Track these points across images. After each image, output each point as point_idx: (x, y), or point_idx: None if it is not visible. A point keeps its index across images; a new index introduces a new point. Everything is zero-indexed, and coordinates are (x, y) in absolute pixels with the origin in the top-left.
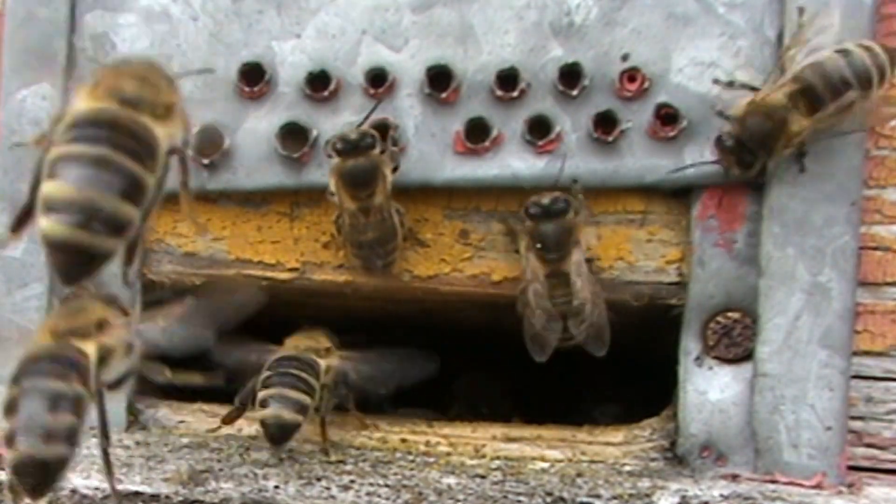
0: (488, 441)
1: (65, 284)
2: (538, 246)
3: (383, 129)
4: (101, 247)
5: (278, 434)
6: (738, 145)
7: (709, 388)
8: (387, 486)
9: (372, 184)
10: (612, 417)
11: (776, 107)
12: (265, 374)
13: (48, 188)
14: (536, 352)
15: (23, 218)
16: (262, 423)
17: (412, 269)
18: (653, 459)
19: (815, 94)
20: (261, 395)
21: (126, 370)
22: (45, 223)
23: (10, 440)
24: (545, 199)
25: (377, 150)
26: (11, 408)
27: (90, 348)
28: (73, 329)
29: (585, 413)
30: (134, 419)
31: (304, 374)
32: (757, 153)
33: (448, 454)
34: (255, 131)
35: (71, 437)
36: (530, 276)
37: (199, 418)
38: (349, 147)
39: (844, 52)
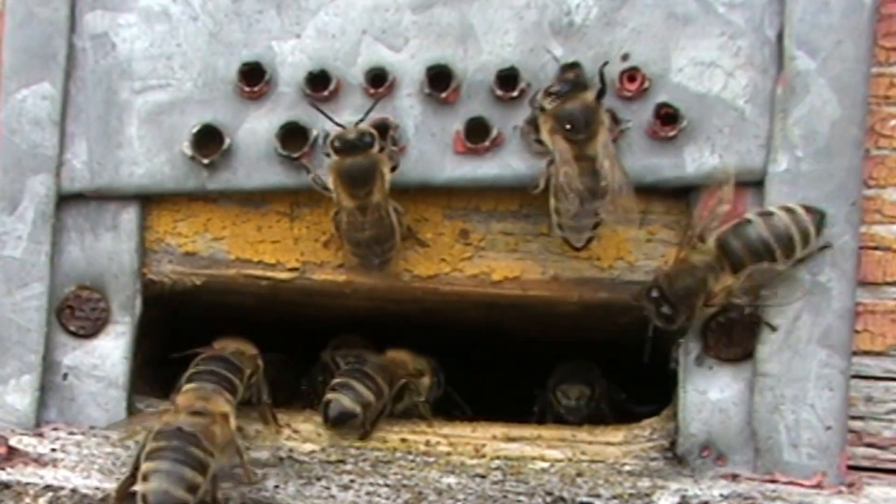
0: (488, 441)
1: None
2: (567, 127)
3: (383, 128)
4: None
5: None
6: (662, 298)
7: (709, 388)
8: (387, 486)
9: (370, 182)
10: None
11: (698, 266)
12: None
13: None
14: (574, 238)
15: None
16: None
17: (412, 269)
18: (653, 459)
19: (735, 257)
20: None
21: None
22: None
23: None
24: (569, 75)
25: (376, 149)
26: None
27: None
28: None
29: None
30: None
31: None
32: (678, 308)
33: (448, 454)
34: (255, 131)
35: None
36: (559, 159)
37: None
38: (347, 145)
39: (767, 215)
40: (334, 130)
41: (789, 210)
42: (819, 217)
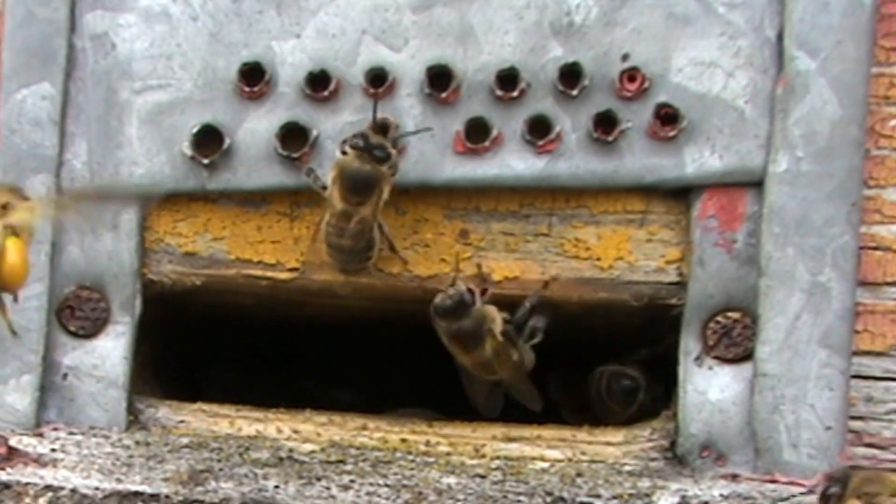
0: (488, 441)
1: None
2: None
3: (384, 128)
4: None
5: None
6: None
7: (709, 388)
8: (387, 486)
9: (366, 194)
10: None
11: None
12: None
13: None
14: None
15: None
16: None
17: (412, 269)
18: (653, 459)
19: None
20: None
21: None
22: None
23: None
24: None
25: (385, 165)
26: None
27: None
28: None
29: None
30: (134, 419)
31: None
32: None
33: (448, 454)
34: (255, 131)
35: None
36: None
37: (199, 418)
38: (363, 148)
39: None
40: (358, 128)
41: None
42: None
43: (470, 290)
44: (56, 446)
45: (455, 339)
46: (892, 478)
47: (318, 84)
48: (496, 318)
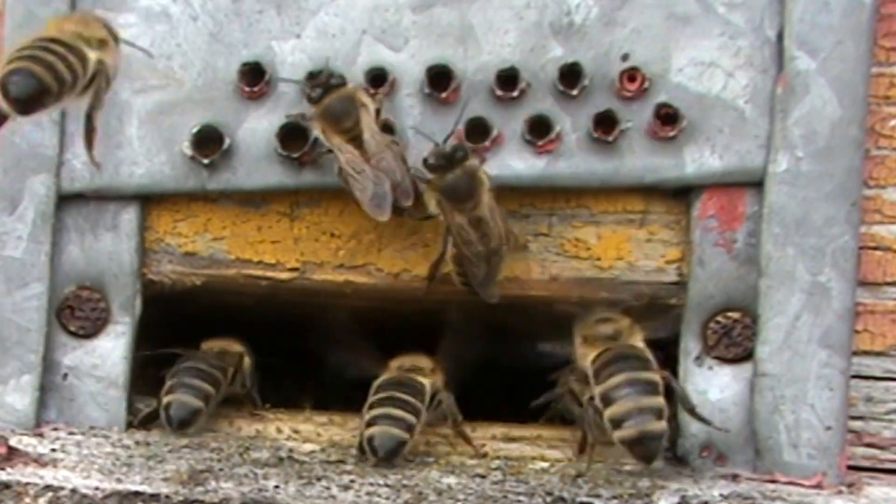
0: (488, 441)
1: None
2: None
3: (384, 129)
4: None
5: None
6: None
7: (709, 388)
8: (387, 486)
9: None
10: None
11: None
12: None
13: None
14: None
15: None
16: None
17: (412, 269)
18: None
19: None
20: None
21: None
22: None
23: None
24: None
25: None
26: None
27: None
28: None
29: None
30: (134, 419)
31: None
32: None
33: (448, 454)
34: (255, 131)
35: None
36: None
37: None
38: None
39: None
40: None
41: None
42: None
43: (462, 148)
44: (56, 446)
45: (449, 193)
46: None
47: None
48: (486, 181)
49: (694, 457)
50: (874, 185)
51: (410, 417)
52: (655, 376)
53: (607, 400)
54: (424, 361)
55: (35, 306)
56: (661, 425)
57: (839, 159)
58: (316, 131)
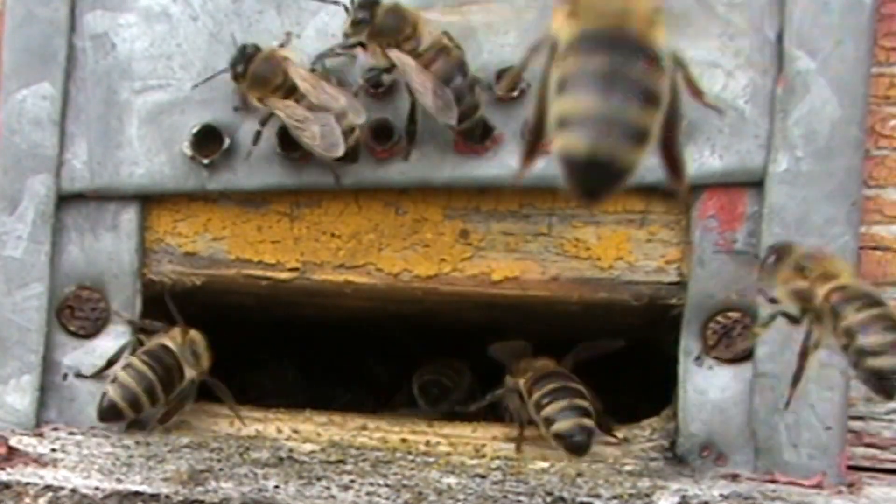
0: (488, 441)
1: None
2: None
3: (385, 129)
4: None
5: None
6: None
7: (709, 388)
8: (387, 486)
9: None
10: None
11: None
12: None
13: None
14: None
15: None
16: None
17: (412, 269)
18: (653, 459)
19: None
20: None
21: None
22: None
23: None
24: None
25: None
26: None
27: None
28: None
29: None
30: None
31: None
32: None
33: (448, 454)
34: (255, 131)
35: None
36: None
37: (199, 418)
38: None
39: None
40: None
41: None
42: None
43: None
44: (56, 446)
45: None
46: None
47: None
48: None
49: (694, 457)
50: (874, 185)
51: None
52: (580, 386)
53: (540, 405)
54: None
55: (35, 306)
56: (591, 421)
57: (839, 159)
58: (256, 103)
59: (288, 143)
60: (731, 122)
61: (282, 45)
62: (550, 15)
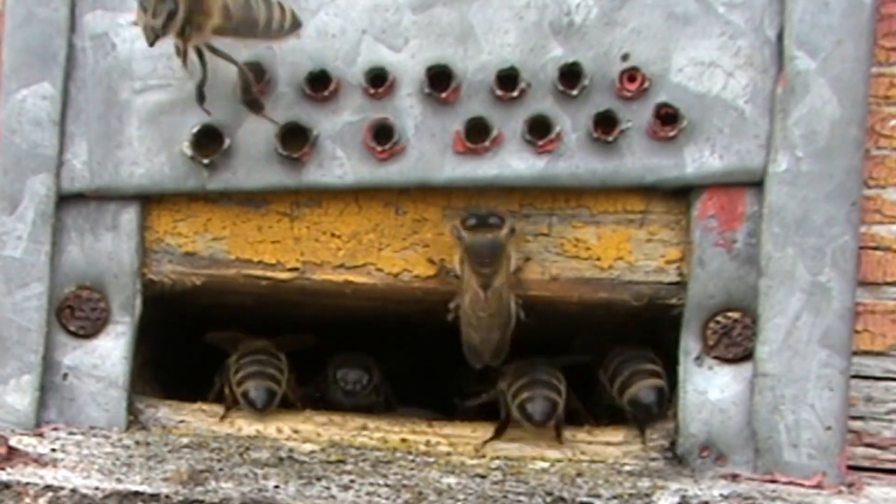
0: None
1: None
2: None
3: (385, 129)
4: None
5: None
6: None
7: (709, 388)
8: (387, 486)
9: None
10: None
11: None
12: None
13: None
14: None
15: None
16: None
17: (412, 269)
18: (653, 459)
19: None
20: None
21: None
22: None
23: None
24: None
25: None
26: None
27: None
28: None
29: None
30: (134, 419)
31: None
32: None
33: (448, 454)
34: (255, 131)
35: None
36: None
37: (199, 418)
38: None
39: None
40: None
41: None
42: None
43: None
44: (56, 446)
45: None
46: None
47: (318, 84)
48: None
49: (694, 457)
50: (874, 185)
51: None
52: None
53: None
54: None
55: (35, 306)
56: (557, 398)
57: (839, 159)
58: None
59: (288, 143)
60: (731, 122)
61: None
62: (550, 15)
